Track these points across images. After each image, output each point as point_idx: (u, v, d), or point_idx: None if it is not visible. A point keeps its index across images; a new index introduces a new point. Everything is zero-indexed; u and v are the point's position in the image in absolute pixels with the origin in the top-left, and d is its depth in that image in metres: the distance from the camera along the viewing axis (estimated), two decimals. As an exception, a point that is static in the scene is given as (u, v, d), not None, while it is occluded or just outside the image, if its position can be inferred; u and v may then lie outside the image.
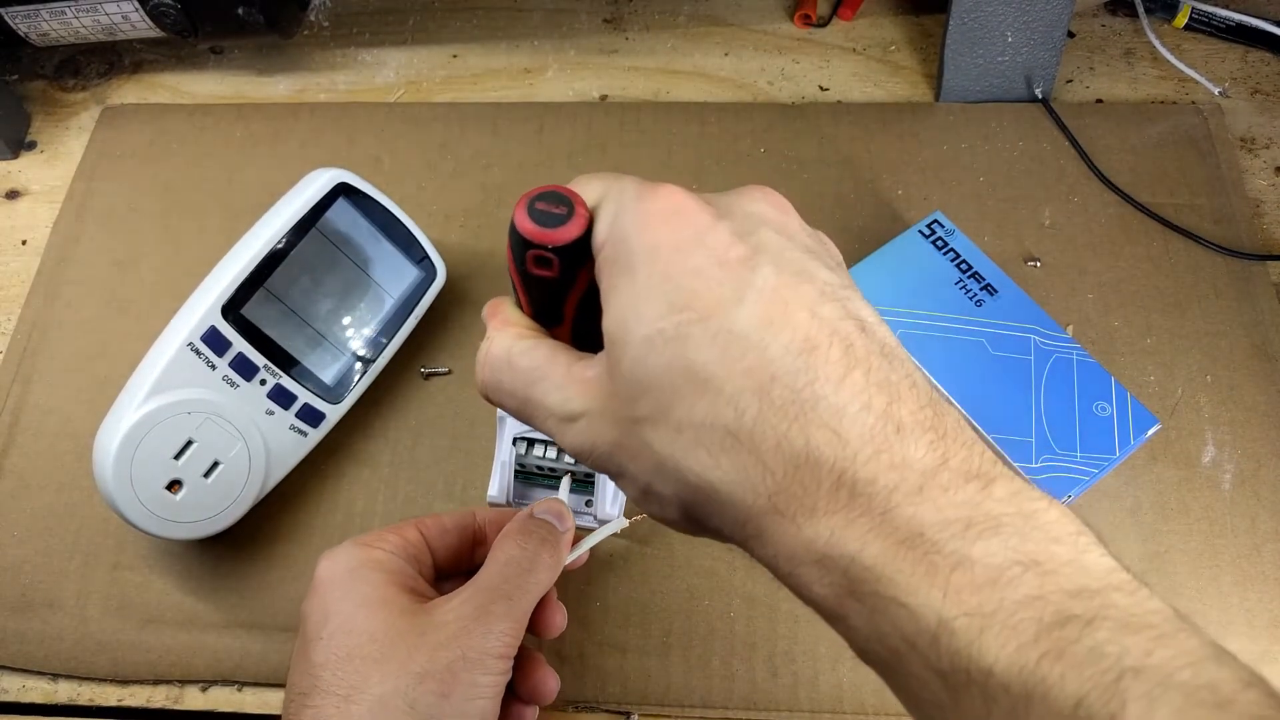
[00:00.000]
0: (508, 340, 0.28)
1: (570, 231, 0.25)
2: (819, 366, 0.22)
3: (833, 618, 0.23)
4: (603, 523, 0.44)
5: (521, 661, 0.37)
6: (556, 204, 0.26)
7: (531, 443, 0.44)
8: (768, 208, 0.26)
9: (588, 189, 0.27)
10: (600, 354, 0.25)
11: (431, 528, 0.38)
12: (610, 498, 0.43)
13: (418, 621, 0.32)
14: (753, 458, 0.22)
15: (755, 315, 0.23)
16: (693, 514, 0.25)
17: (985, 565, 0.21)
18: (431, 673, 0.31)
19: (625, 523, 0.42)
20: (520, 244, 0.26)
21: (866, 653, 0.23)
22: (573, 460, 0.44)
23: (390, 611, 0.32)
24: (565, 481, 0.43)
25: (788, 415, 0.22)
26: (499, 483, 0.44)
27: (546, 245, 0.26)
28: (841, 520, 0.22)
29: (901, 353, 0.24)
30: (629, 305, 0.24)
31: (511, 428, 0.44)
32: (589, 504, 0.44)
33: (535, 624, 0.37)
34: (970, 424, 0.23)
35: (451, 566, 0.38)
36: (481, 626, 0.32)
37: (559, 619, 0.38)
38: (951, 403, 0.24)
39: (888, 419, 0.22)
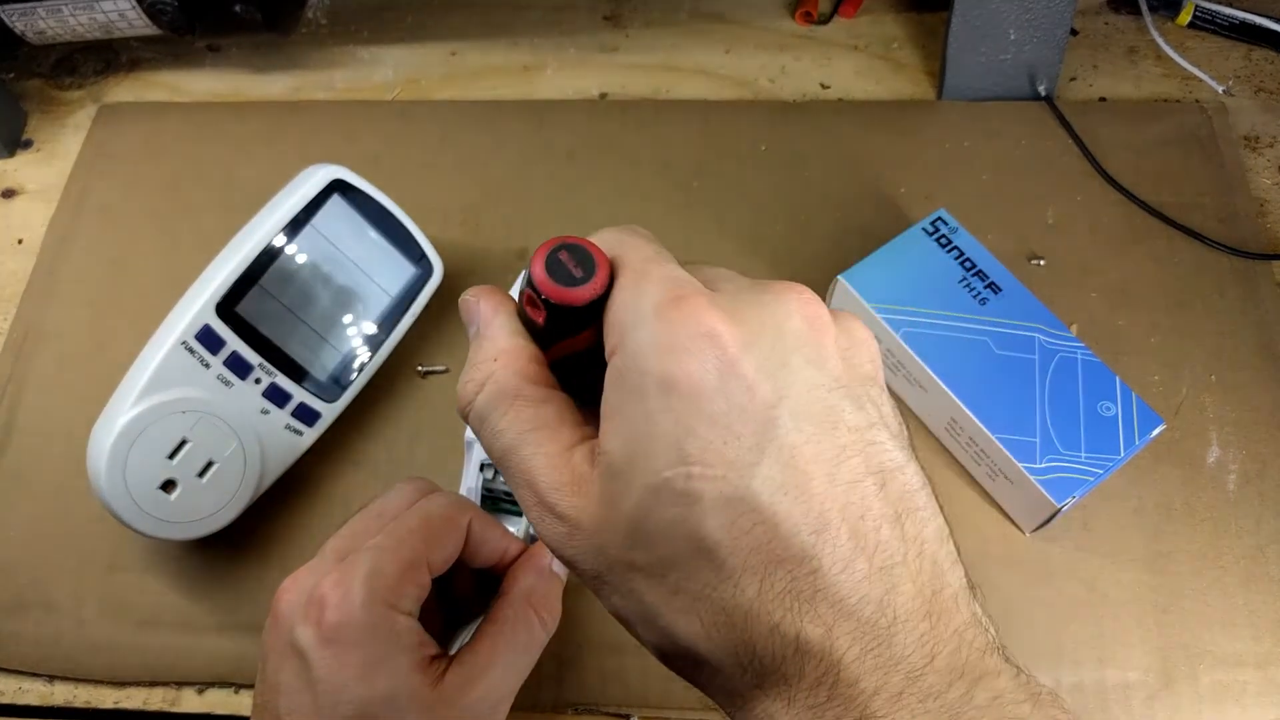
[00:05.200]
0: (518, 379, 0.25)
1: (580, 295, 0.24)
2: (824, 553, 0.21)
3: None
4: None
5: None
6: (579, 262, 0.24)
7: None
8: (800, 322, 0.23)
9: (613, 248, 0.25)
10: (596, 450, 0.24)
11: (438, 565, 0.35)
12: None
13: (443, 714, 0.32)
14: (744, 639, 0.22)
15: (771, 481, 0.21)
16: (674, 665, 0.24)
17: None
18: None
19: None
20: (527, 283, 0.25)
21: None
22: None
23: (417, 708, 0.32)
24: None
25: (784, 604, 0.21)
26: None
27: (551, 300, 0.24)
28: (815, 718, 0.21)
29: (920, 500, 0.23)
30: (638, 439, 0.22)
31: (479, 453, 0.43)
32: None
33: None
34: (972, 593, 0.23)
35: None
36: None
37: None
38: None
39: (883, 611, 0.21)
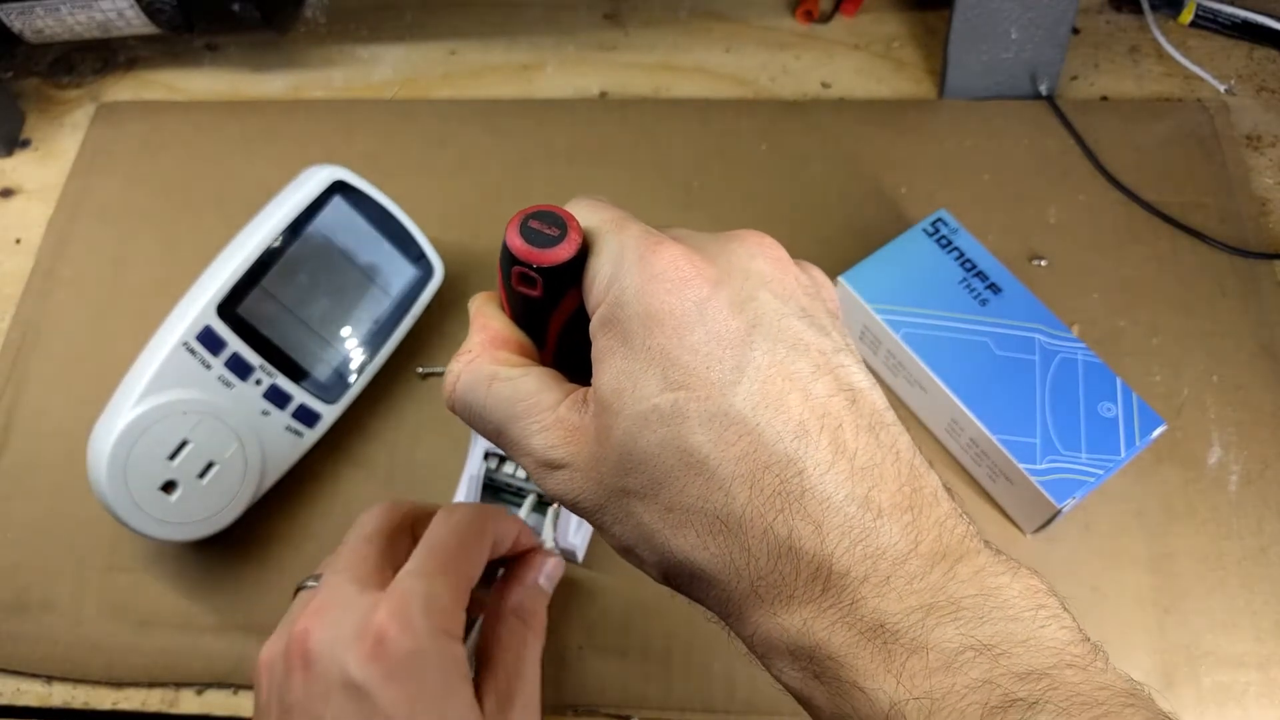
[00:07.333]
0: (491, 364, 0.27)
1: (559, 254, 0.25)
2: (808, 455, 0.23)
3: (800, 699, 0.24)
4: (563, 550, 0.43)
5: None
6: (550, 224, 0.25)
7: (503, 459, 0.43)
8: (765, 263, 0.26)
9: (585, 215, 0.26)
10: (587, 397, 0.26)
11: (476, 580, 0.36)
12: (574, 526, 0.43)
13: None
14: (739, 544, 0.23)
15: (751, 397, 0.23)
16: (674, 582, 0.25)
17: (939, 651, 0.22)
18: None
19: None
20: (508, 259, 0.26)
21: None
22: None
23: None
24: (530, 501, 0.43)
25: (774, 506, 0.23)
26: (465, 496, 0.44)
27: (533, 264, 0.25)
28: (814, 610, 0.23)
29: (889, 417, 0.25)
30: (624, 374, 0.24)
31: (484, 442, 0.43)
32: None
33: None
34: (949, 493, 0.25)
35: None
36: None
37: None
38: (932, 469, 0.25)
39: (867, 507, 0.23)
